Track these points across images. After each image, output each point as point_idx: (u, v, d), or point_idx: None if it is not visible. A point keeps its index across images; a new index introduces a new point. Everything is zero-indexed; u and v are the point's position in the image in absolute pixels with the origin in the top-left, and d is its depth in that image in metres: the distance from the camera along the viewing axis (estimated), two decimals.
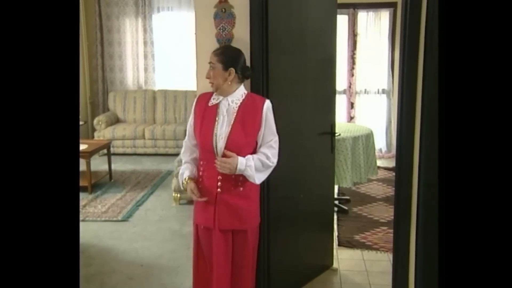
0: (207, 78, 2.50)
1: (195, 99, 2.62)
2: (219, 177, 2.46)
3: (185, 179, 2.53)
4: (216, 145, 2.44)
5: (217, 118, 2.48)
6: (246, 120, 2.47)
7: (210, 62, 2.50)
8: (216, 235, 2.49)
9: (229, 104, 2.49)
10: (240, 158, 2.41)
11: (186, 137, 2.64)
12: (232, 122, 2.46)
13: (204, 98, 2.58)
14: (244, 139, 2.45)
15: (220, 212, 2.47)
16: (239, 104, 2.49)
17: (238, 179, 2.47)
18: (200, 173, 2.54)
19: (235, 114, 2.47)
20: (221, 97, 2.51)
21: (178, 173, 4.66)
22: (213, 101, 2.53)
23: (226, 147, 2.42)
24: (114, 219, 4.83)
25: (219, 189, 2.46)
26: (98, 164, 6.62)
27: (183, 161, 2.64)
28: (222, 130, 2.44)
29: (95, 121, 7.55)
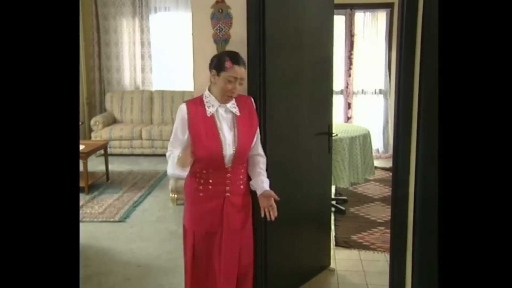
0: (234, 91, 2.38)
1: (184, 110, 2.42)
2: (228, 181, 2.47)
3: (178, 155, 2.33)
4: (225, 153, 2.40)
5: (218, 126, 2.42)
6: (246, 121, 2.47)
7: (242, 78, 2.39)
8: (226, 237, 2.48)
9: (225, 110, 2.45)
10: (265, 185, 2.52)
11: (171, 148, 2.46)
12: (235, 126, 2.44)
13: (194, 107, 2.43)
14: (249, 140, 2.49)
15: (229, 214, 2.48)
16: (235, 107, 2.47)
17: (240, 179, 2.50)
18: (202, 181, 2.47)
19: (234, 118, 2.46)
20: (217, 104, 2.44)
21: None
22: (210, 109, 2.43)
23: (235, 153, 2.42)
24: (111, 219, 4.82)
25: (228, 194, 2.47)
26: (95, 164, 6.61)
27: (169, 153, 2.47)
28: (228, 137, 2.42)
29: (92, 122, 7.53)
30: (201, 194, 2.48)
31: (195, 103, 2.46)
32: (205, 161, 2.42)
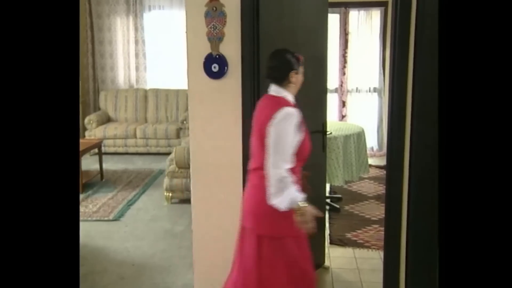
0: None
1: (297, 114, 2.28)
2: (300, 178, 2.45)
3: (301, 203, 2.30)
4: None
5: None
6: None
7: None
8: None
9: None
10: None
11: (286, 161, 2.25)
12: None
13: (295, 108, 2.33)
14: None
15: None
16: None
17: None
18: (297, 179, 2.39)
19: None
20: (293, 101, 2.39)
21: (173, 176, 4.52)
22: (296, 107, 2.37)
23: None
24: (106, 218, 4.81)
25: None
26: (89, 163, 6.59)
27: (289, 180, 2.26)
28: None
29: (86, 120, 7.51)
30: None
31: (290, 104, 2.35)
32: (303, 159, 2.40)
